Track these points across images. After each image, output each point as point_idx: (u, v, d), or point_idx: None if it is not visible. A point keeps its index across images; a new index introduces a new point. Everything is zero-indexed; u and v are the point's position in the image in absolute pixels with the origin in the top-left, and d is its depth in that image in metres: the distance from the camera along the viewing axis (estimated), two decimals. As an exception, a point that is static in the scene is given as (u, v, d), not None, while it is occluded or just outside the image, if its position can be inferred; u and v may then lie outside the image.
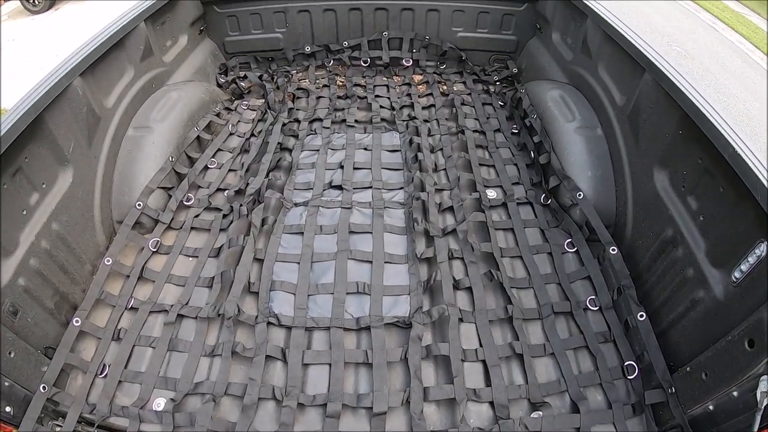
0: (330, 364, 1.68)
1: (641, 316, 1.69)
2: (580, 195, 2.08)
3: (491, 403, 1.59)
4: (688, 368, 1.45)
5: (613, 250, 1.91)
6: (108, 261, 1.95)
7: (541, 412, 1.55)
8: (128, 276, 1.97)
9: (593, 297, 1.87)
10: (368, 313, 1.83)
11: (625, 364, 1.67)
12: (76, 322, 1.75)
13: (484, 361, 1.69)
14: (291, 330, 1.78)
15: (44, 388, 1.56)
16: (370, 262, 2.01)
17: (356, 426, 1.57)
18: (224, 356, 1.69)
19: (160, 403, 1.60)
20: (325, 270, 1.99)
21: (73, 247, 1.85)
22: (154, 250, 2.08)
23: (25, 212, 1.66)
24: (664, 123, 1.77)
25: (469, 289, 1.90)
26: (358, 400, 1.59)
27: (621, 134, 2.08)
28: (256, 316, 1.80)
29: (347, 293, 1.90)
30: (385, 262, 2.01)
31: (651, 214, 1.81)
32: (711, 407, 1.33)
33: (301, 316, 1.82)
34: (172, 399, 1.59)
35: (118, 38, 2.18)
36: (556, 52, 2.76)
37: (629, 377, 1.64)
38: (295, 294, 1.90)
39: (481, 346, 1.73)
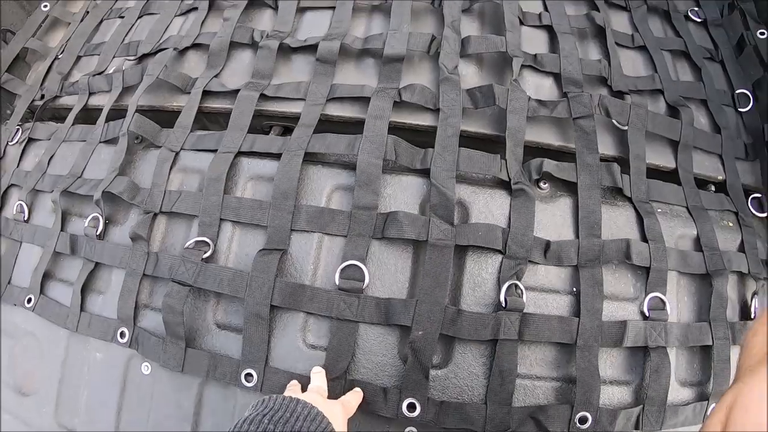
0: (333, 8, 1.34)
1: (762, 33, 1.37)
2: None
3: (557, 76, 1.26)
4: None
5: None
6: None
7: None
8: None
9: (696, 8, 1.51)
10: None
11: (737, 92, 1.34)
12: (45, 6, 1.57)
13: (549, 27, 1.36)
14: None
15: None
16: None
17: (359, 77, 1.12)
18: (201, 8, 1.33)
19: (113, 67, 1.35)
20: None
21: None
22: None
23: None
24: None
25: None
26: (364, 42, 1.17)
27: None
28: None
29: None
30: None
31: None
32: None
33: None
34: (127, 59, 1.34)
35: None
36: None
37: (741, 109, 1.33)
38: None
39: (546, 10, 1.41)
